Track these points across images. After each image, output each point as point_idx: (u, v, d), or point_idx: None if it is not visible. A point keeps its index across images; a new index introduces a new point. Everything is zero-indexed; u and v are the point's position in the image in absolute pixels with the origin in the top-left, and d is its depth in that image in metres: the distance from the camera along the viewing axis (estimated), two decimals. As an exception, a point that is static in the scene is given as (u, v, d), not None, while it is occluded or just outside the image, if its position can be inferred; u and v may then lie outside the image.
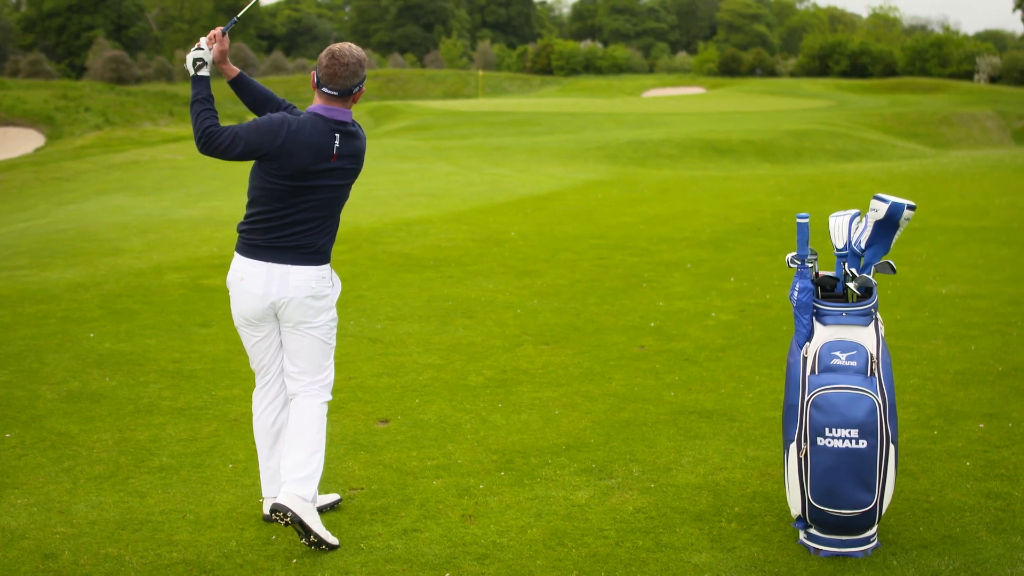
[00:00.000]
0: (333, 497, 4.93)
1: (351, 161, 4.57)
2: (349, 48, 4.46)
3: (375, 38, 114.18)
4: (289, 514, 4.34)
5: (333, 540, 4.45)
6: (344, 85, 4.43)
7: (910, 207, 4.28)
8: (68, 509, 4.91)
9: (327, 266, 4.65)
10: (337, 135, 4.48)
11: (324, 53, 4.45)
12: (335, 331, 4.74)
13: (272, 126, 4.38)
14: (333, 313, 4.71)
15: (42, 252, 12.29)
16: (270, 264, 4.50)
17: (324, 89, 4.45)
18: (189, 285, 10.19)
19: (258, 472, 5.09)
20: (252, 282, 4.53)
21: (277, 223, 4.48)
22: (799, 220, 4.39)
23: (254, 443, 5.36)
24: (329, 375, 4.76)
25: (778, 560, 4.27)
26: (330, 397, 4.77)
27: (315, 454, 4.55)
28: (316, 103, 4.51)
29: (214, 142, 4.35)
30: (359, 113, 48.40)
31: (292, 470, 4.48)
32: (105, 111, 38.80)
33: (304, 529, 4.35)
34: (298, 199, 4.46)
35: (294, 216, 4.48)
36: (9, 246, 13.06)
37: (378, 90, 75.08)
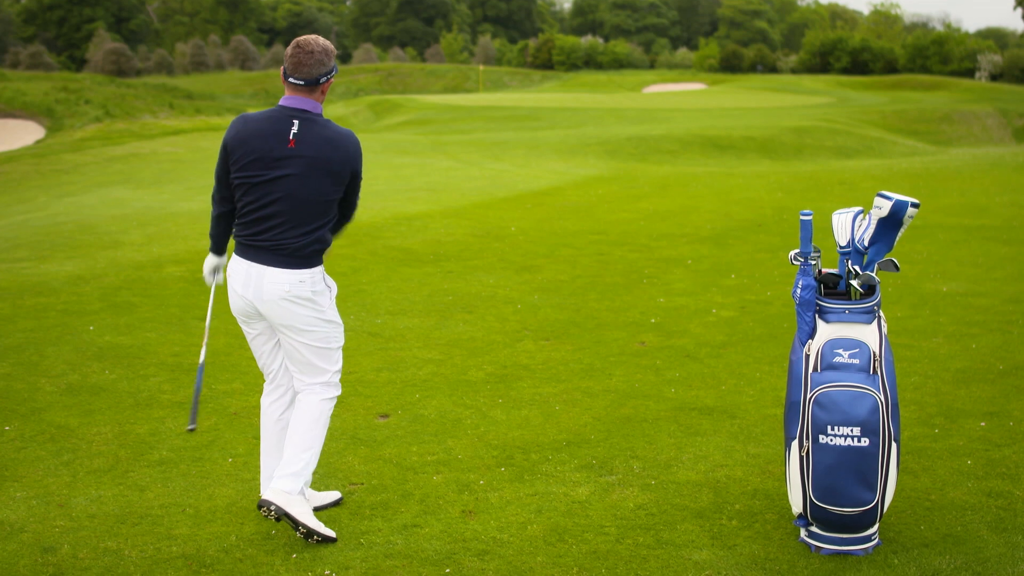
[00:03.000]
0: (334, 496, 4.91)
1: (313, 149, 4.38)
2: (315, 38, 4.45)
3: (376, 32, 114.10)
4: (272, 507, 4.36)
5: (326, 531, 4.44)
6: (310, 74, 4.39)
7: (914, 205, 4.27)
8: (67, 502, 4.90)
9: (309, 271, 4.48)
10: (295, 120, 4.40)
11: (291, 44, 4.43)
12: (335, 335, 4.62)
13: (231, 124, 4.50)
14: (328, 316, 4.58)
15: (42, 244, 12.27)
16: (250, 264, 4.47)
17: (290, 79, 4.41)
18: (189, 278, 10.17)
19: (259, 466, 5.08)
20: (234, 279, 4.53)
21: (250, 218, 4.44)
22: (802, 217, 4.38)
23: (254, 437, 5.36)
24: (332, 376, 4.67)
25: (779, 558, 4.27)
26: (337, 392, 4.70)
27: (307, 451, 4.51)
28: (283, 96, 4.51)
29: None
30: (360, 107, 48.36)
31: (282, 465, 4.49)
32: (105, 104, 38.69)
33: (292, 521, 4.36)
34: (263, 191, 4.40)
35: (263, 211, 4.41)
36: (8, 238, 13.03)
37: (378, 84, 74.96)
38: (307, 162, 4.39)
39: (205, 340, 5.03)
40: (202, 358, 4.91)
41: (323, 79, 4.43)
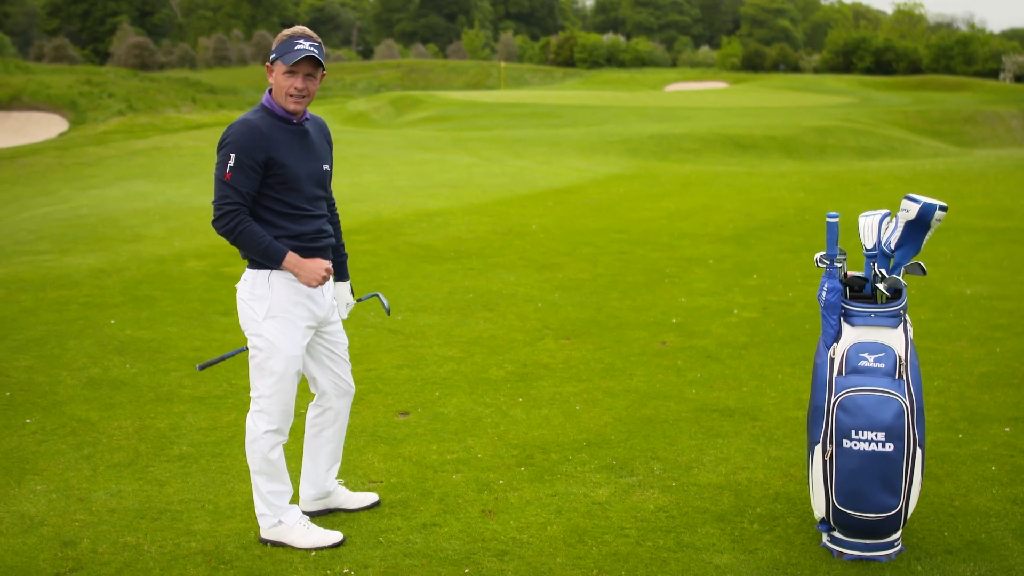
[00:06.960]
0: (372, 498, 4.84)
1: None
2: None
3: (398, 27, 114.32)
4: (268, 543, 4.42)
5: (330, 540, 4.40)
6: None
7: (942, 208, 4.21)
8: (87, 496, 4.91)
9: (250, 272, 4.32)
10: None
11: None
12: (263, 356, 4.31)
13: None
14: (259, 330, 4.29)
15: (64, 237, 12.33)
16: None
17: None
18: (210, 273, 10.19)
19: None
20: None
21: None
22: (829, 219, 4.34)
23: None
24: (257, 400, 4.38)
25: (801, 563, 4.23)
26: (264, 427, 4.35)
27: (255, 492, 4.44)
28: None
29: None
30: (381, 102, 48.41)
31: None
32: (128, 97, 38.86)
33: (292, 548, 4.38)
34: None
35: None
36: (32, 231, 13.11)
37: (400, 80, 75.10)
38: None
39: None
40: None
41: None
